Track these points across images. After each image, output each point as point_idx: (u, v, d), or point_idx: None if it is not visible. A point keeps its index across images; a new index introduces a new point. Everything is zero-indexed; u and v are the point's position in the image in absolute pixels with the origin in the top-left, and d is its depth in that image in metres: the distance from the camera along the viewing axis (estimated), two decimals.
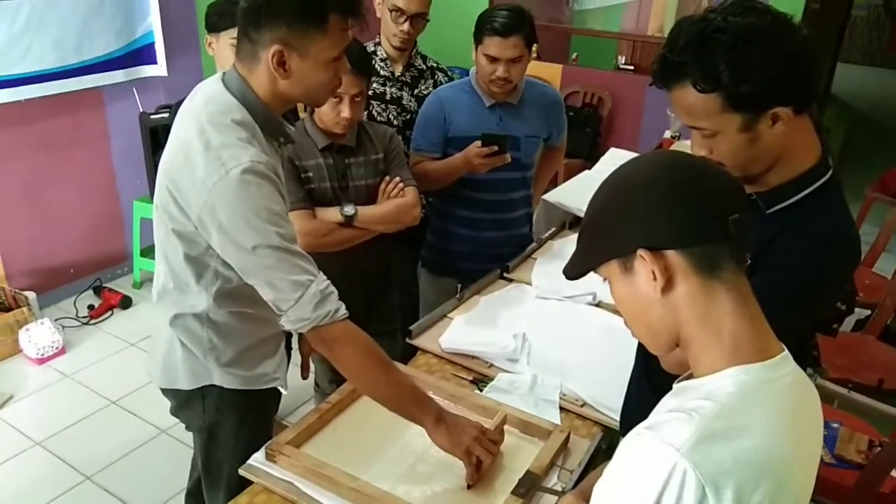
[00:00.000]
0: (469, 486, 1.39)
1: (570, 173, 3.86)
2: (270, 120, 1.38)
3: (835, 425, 2.18)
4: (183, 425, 1.64)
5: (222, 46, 2.13)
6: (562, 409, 1.64)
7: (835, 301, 1.22)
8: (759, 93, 1.01)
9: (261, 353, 1.55)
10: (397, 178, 2.03)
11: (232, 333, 1.48)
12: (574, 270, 0.93)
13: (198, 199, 1.28)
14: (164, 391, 1.58)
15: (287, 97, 1.37)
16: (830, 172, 1.10)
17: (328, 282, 1.34)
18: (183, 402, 1.57)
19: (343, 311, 1.35)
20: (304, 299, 1.29)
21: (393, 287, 2.32)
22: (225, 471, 1.59)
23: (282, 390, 1.62)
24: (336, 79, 1.38)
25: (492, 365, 1.80)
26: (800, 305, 0.93)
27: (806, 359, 1.12)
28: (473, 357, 1.82)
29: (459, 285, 2.13)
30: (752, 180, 1.12)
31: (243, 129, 1.31)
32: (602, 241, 0.88)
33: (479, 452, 1.38)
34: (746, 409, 0.77)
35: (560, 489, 1.38)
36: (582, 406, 1.65)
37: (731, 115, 1.04)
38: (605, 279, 0.90)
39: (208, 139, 1.28)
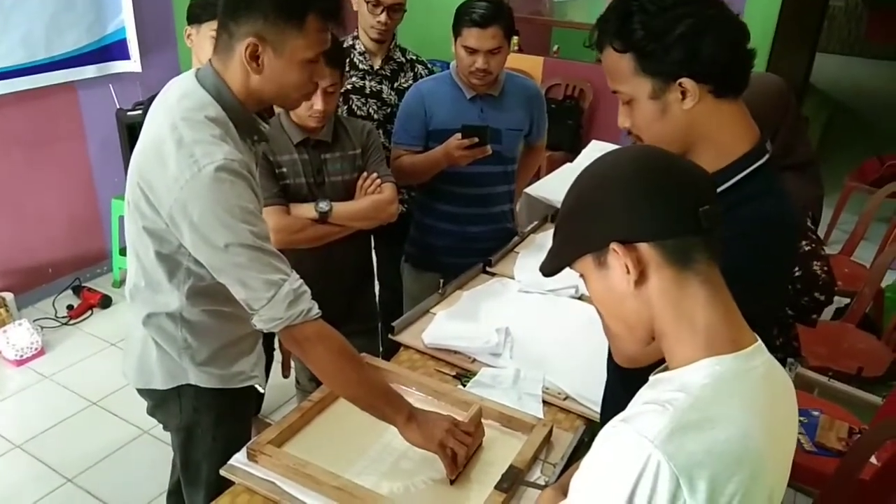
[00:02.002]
0: (452, 482, 1.38)
1: (552, 166, 3.87)
2: (244, 117, 1.36)
3: (815, 413, 2.20)
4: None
5: (202, 38, 2.11)
6: (545, 402, 1.64)
7: (784, 281, 1.22)
8: (666, 55, 1.04)
9: (237, 351, 1.54)
10: (374, 174, 2.01)
11: (206, 332, 1.47)
12: (550, 267, 0.93)
13: (169, 196, 1.26)
14: (141, 391, 1.56)
15: (260, 95, 1.35)
16: (767, 157, 1.11)
17: (301, 281, 1.33)
18: (159, 402, 1.55)
19: (316, 310, 1.34)
20: (276, 298, 1.28)
21: (372, 285, 2.31)
22: (204, 470, 1.58)
23: (259, 388, 1.61)
24: (310, 83, 1.36)
25: (475, 360, 1.79)
26: (749, 289, 0.93)
27: (772, 345, 1.13)
28: (456, 352, 1.81)
29: (442, 280, 2.13)
30: None
31: (217, 125, 1.29)
32: (575, 236, 0.88)
33: (453, 444, 1.38)
34: (720, 400, 0.78)
35: (543, 483, 1.38)
36: (564, 399, 1.65)
37: (641, 78, 1.07)
38: (580, 275, 0.89)
39: (181, 136, 1.26)
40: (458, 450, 1.39)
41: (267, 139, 1.47)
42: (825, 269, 1.93)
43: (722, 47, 1.04)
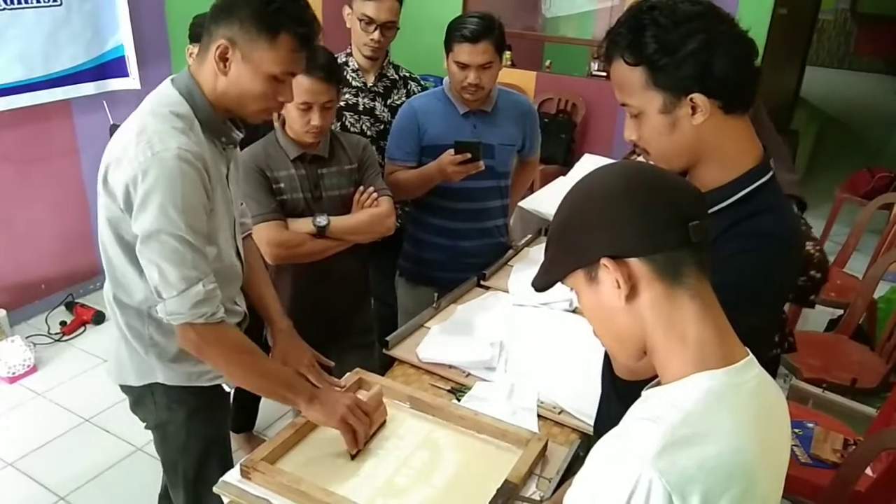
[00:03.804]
0: (353, 457, 1.45)
1: (546, 180, 3.89)
2: (212, 118, 1.41)
3: (810, 425, 2.20)
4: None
5: None
6: (539, 416, 1.64)
7: (785, 295, 1.23)
8: (678, 70, 1.04)
9: None
10: (371, 188, 2.02)
11: (173, 329, 1.47)
12: (541, 282, 0.93)
13: (122, 178, 1.31)
14: (122, 387, 1.60)
15: (224, 99, 1.40)
16: (770, 174, 1.12)
17: (216, 285, 1.37)
18: (137, 399, 1.59)
19: (220, 314, 1.38)
20: (186, 294, 1.32)
21: (370, 299, 2.31)
22: (181, 467, 1.61)
23: (226, 388, 1.63)
24: (273, 99, 1.41)
25: (469, 374, 1.79)
26: (750, 303, 0.94)
27: (771, 365, 1.13)
28: (451, 366, 1.81)
29: (436, 294, 2.13)
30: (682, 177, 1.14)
31: (180, 120, 1.36)
32: (566, 251, 0.89)
33: (353, 421, 1.44)
34: (711, 414, 0.78)
35: (539, 498, 1.37)
36: (559, 413, 1.65)
37: (652, 92, 1.07)
38: (571, 289, 0.90)
39: (144, 125, 1.33)
40: (358, 427, 1.45)
41: (236, 142, 1.51)
42: (818, 248, 1.97)
43: (733, 63, 1.04)
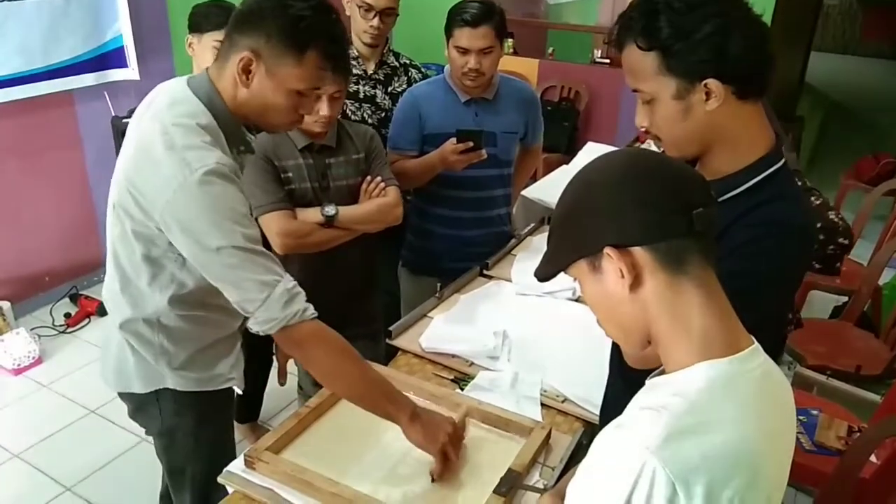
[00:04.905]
0: (433, 480, 1.40)
1: (549, 168, 3.87)
2: (233, 127, 1.38)
3: (814, 412, 2.20)
4: None
5: (203, 48, 2.12)
6: (543, 405, 1.64)
7: (797, 284, 1.22)
8: (692, 55, 1.02)
9: (215, 354, 1.54)
10: (379, 178, 2.01)
11: (184, 337, 1.47)
12: (544, 272, 0.92)
13: (161, 198, 1.26)
14: (121, 395, 1.57)
15: (244, 110, 1.36)
16: (783, 161, 1.11)
17: (295, 282, 1.33)
18: (139, 406, 1.56)
19: (312, 311, 1.33)
20: (271, 299, 1.27)
21: (376, 288, 2.31)
22: (189, 472, 1.59)
23: (237, 390, 1.61)
24: (295, 113, 1.37)
25: (472, 363, 1.79)
26: (763, 291, 0.92)
27: (778, 349, 1.12)
28: (454, 356, 1.81)
29: (439, 284, 2.13)
30: (693, 164, 1.13)
31: (208, 133, 1.31)
32: (569, 240, 0.88)
33: (450, 451, 1.40)
34: (716, 403, 0.77)
35: (542, 486, 1.37)
36: (563, 402, 1.65)
37: (666, 77, 1.06)
38: (575, 279, 0.89)
39: (172, 140, 1.27)
40: (454, 458, 1.41)
41: (252, 150, 1.48)
42: (840, 216, 1.99)
43: (748, 48, 1.03)
